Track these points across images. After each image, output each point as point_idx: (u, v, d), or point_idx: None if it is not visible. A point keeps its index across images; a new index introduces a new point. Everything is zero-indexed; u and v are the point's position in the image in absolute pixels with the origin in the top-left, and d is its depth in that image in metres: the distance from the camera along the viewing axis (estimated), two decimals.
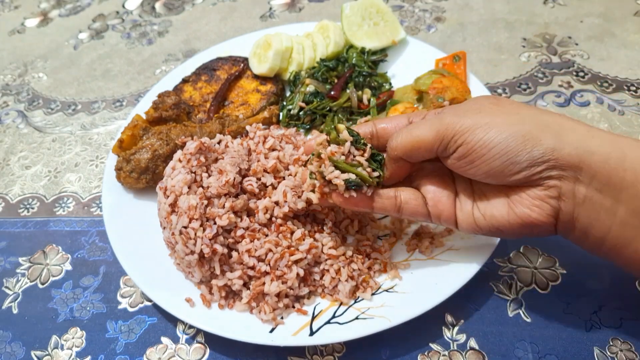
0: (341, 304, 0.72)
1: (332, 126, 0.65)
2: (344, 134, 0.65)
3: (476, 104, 0.59)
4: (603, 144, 0.51)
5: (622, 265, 0.55)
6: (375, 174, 0.65)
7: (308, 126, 1.03)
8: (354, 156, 0.65)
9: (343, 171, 0.63)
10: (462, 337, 0.72)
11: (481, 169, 0.56)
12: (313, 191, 0.67)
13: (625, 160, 0.49)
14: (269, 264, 0.72)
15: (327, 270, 0.74)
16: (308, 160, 0.67)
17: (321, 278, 0.74)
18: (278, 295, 0.71)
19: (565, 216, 0.54)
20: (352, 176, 0.63)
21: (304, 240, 0.74)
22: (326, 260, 0.75)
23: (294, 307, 0.73)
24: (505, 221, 0.57)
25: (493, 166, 0.55)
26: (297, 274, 0.71)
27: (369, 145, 0.66)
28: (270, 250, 0.72)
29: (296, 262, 0.72)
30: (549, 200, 0.54)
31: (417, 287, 0.72)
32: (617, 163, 0.50)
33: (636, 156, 0.50)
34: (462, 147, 0.56)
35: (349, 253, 0.75)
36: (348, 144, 0.64)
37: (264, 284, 0.72)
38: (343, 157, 0.64)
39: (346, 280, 0.72)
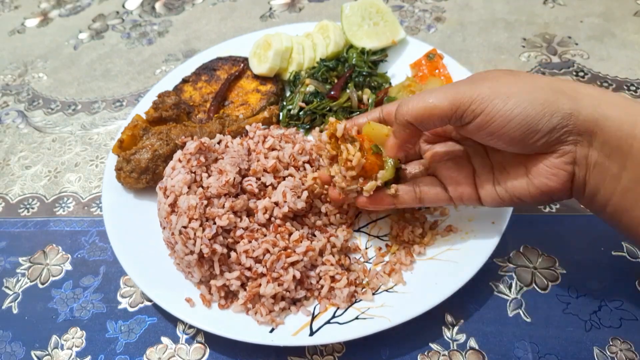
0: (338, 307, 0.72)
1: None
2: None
3: (492, 73, 0.59)
4: (618, 110, 0.51)
5: (622, 230, 0.56)
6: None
7: (308, 126, 1.03)
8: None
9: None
10: (462, 337, 0.72)
11: (502, 139, 0.56)
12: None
13: (636, 127, 0.50)
14: (266, 266, 0.72)
15: (323, 276, 0.74)
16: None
17: (317, 282, 0.74)
18: (274, 297, 0.71)
19: (578, 180, 0.55)
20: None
21: (301, 242, 0.74)
22: (322, 264, 0.75)
23: (290, 309, 0.72)
24: (526, 192, 0.59)
25: (514, 136, 0.55)
26: (294, 277, 0.71)
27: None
28: (268, 251, 0.72)
29: (292, 264, 0.72)
30: (565, 167, 0.55)
31: (417, 287, 0.72)
32: (628, 130, 0.50)
33: None
34: (481, 117, 0.55)
35: (348, 261, 0.75)
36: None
37: (260, 285, 0.72)
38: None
39: (345, 287, 0.72)
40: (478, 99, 0.55)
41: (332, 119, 0.67)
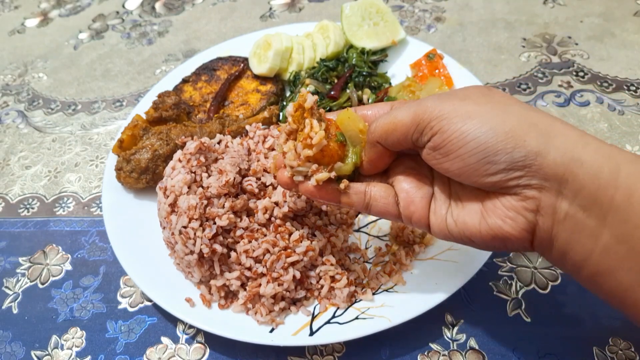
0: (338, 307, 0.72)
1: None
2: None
3: (463, 91, 0.53)
4: (596, 155, 0.44)
5: (603, 296, 0.47)
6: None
7: None
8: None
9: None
10: (462, 337, 0.72)
11: (455, 164, 0.50)
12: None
13: (619, 176, 0.42)
14: (266, 266, 0.72)
15: (323, 276, 0.74)
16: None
17: (317, 282, 0.74)
18: (274, 297, 0.71)
19: (542, 233, 0.47)
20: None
21: (301, 242, 0.74)
22: (322, 264, 0.75)
23: (290, 309, 0.73)
24: (476, 230, 0.52)
25: (468, 162, 0.48)
26: (294, 277, 0.71)
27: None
28: (268, 250, 0.72)
29: (292, 264, 0.72)
30: (524, 213, 0.47)
31: (417, 287, 0.72)
32: (608, 179, 0.42)
33: (631, 173, 0.42)
34: (438, 135, 0.50)
35: (348, 261, 0.75)
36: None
37: (260, 285, 0.72)
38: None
39: (345, 287, 0.72)
40: (439, 116, 0.50)
41: (303, 90, 0.60)
